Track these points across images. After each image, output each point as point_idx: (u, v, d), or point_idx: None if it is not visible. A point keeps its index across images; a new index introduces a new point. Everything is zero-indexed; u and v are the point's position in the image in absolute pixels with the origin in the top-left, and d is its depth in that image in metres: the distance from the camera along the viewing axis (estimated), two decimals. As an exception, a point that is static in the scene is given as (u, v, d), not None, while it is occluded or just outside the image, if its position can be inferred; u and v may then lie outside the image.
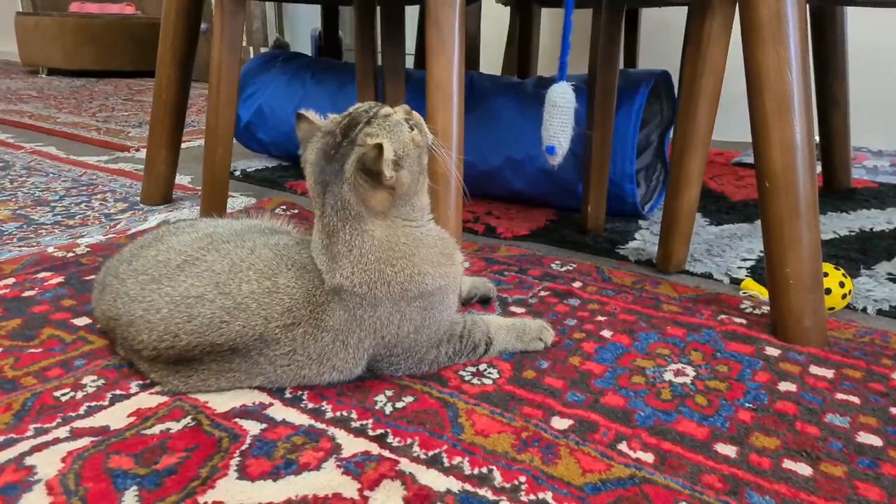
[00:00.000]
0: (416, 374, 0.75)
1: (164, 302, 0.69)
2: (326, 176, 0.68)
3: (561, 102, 0.94)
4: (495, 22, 2.13)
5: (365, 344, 0.70)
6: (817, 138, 1.59)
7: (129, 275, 0.74)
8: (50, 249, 1.11)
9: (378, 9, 1.48)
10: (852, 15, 1.50)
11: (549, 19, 2.13)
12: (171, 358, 0.69)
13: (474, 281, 0.95)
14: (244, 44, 2.87)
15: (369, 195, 0.67)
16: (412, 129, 0.70)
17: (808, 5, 0.88)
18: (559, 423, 0.67)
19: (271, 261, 0.70)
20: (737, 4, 0.90)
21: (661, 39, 2.19)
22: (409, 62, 1.86)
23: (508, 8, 1.96)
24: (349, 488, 0.57)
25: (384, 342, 0.70)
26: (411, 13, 1.59)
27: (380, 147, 0.64)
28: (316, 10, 2.26)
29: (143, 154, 1.66)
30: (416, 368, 0.74)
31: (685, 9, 1.61)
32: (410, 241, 0.70)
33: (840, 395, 0.73)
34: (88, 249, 1.11)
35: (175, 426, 0.65)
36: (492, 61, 2.12)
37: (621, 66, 1.30)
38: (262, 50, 3.30)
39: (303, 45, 3.25)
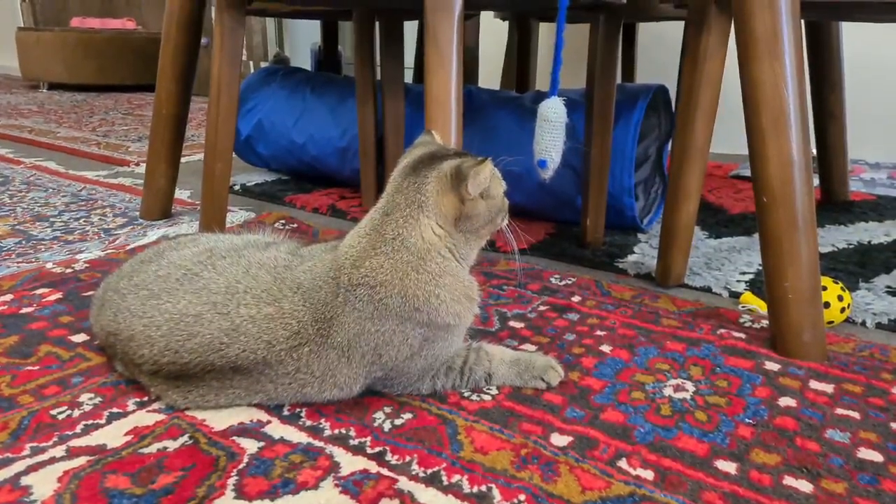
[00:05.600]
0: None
1: (164, 318, 0.69)
2: (422, 163, 0.72)
3: (552, 117, 0.94)
4: (494, 36, 2.14)
5: (366, 360, 0.70)
6: (814, 151, 1.60)
7: (130, 290, 0.74)
8: (48, 265, 1.11)
9: (377, 23, 1.49)
10: (847, 29, 1.51)
11: (547, 34, 2.14)
12: (171, 373, 0.69)
13: None
14: (244, 58, 2.88)
15: (445, 196, 0.70)
16: (505, 192, 0.77)
17: (802, 20, 0.89)
18: (558, 440, 0.67)
19: (270, 285, 0.70)
20: (732, 20, 0.91)
21: (658, 53, 2.20)
22: (409, 76, 1.87)
23: (507, 22, 1.97)
24: (347, 507, 0.57)
25: (381, 362, 0.70)
26: (410, 28, 1.60)
27: (482, 163, 0.69)
28: (316, 24, 2.27)
29: (142, 169, 1.66)
30: (413, 390, 0.74)
31: (682, 23, 1.62)
32: (444, 266, 0.71)
33: (840, 411, 0.73)
34: (87, 265, 1.11)
35: (172, 445, 0.65)
36: (490, 76, 2.13)
37: (619, 80, 1.31)
38: (263, 64, 3.31)
39: (303, 59, 3.27)
